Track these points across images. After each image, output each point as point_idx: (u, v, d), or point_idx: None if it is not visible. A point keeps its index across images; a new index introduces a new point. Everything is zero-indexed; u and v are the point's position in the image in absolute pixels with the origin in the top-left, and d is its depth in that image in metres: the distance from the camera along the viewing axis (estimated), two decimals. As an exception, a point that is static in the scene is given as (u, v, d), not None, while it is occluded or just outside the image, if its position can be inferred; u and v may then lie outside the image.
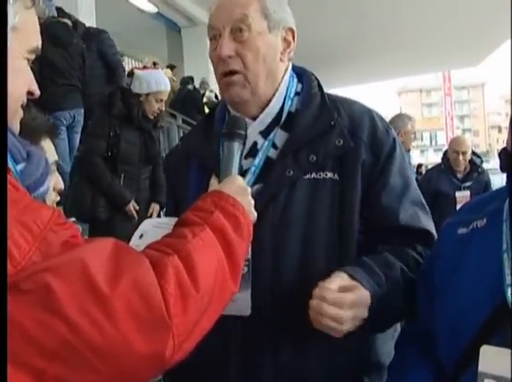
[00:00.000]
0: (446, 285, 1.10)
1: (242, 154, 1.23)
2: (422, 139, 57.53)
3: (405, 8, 9.63)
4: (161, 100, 4.01)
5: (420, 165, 13.10)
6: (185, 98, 8.72)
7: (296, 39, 1.35)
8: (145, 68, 5.18)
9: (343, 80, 14.65)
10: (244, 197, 1.09)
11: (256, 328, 1.22)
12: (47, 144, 1.43)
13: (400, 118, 4.20)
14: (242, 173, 1.27)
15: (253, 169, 1.28)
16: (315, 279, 1.22)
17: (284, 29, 1.32)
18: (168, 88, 4.09)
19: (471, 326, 0.99)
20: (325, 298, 1.09)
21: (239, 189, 1.10)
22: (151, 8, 9.56)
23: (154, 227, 1.13)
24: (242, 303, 1.17)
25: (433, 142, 59.61)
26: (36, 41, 0.93)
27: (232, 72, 1.27)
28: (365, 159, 1.27)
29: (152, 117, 4.01)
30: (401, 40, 11.52)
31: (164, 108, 4.15)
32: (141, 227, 1.14)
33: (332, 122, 1.27)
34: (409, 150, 4.74)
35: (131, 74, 4.64)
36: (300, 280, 1.24)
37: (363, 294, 1.13)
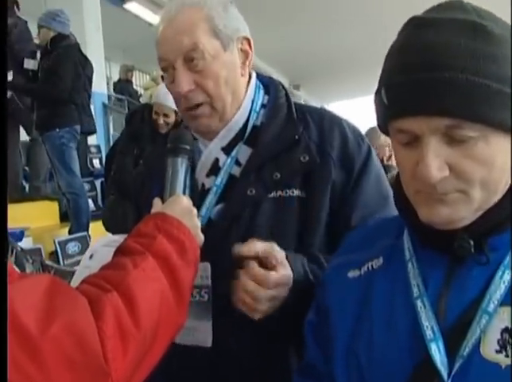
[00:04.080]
0: (348, 347, 0.88)
1: (187, 171, 1.14)
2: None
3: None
4: (157, 113, 3.65)
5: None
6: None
7: (253, 46, 1.23)
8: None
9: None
10: (190, 219, 1.02)
11: (220, 358, 1.15)
12: None
13: (374, 131, 4.11)
14: (204, 191, 1.20)
15: (214, 188, 1.20)
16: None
17: (238, 40, 1.20)
18: (164, 103, 3.58)
19: None
20: (253, 276, 1.01)
21: (184, 210, 1.03)
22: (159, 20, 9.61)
23: (104, 246, 1.09)
24: (202, 334, 1.11)
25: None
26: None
27: (197, 105, 1.18)
28: (335, 179, 1.17)
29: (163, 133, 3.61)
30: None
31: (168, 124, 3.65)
32: (91, 247, 1.11)
33: (297, 137, 1.18)
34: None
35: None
36: None
37: (287, 274, 1.04)
